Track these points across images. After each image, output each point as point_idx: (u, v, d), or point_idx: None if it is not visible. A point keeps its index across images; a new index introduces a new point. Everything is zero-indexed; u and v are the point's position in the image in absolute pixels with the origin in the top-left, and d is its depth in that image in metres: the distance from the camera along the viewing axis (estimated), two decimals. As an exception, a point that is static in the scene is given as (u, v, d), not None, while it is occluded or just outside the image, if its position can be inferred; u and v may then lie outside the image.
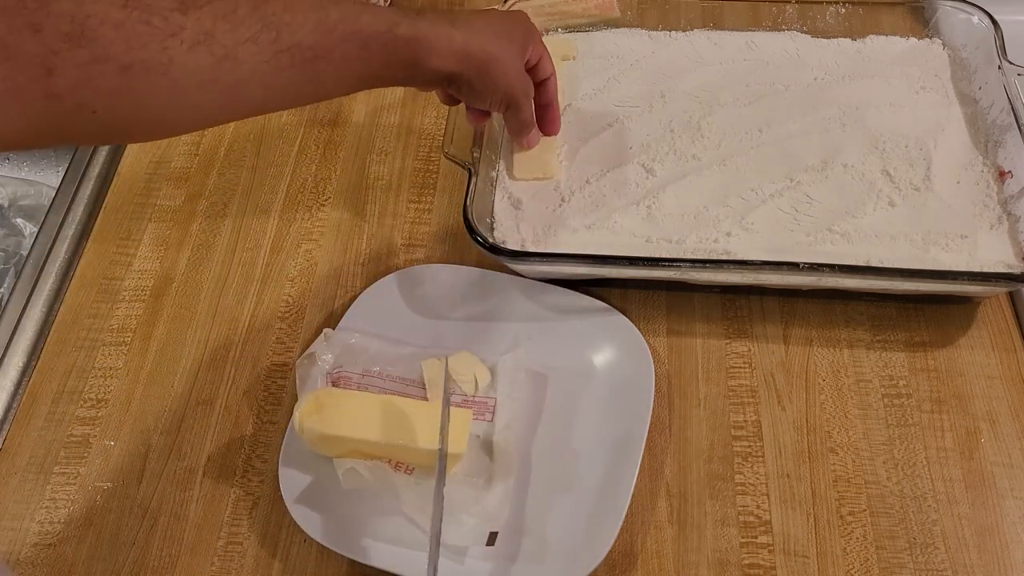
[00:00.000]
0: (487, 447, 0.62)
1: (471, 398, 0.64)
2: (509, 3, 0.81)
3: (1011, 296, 0.70)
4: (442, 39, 0.56)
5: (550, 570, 0.57)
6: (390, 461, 0.60)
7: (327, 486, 0.60)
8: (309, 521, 0.58)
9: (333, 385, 0.63)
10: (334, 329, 0.67)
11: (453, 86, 0.60)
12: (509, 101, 0.64)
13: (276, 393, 0.67)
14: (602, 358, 0.66)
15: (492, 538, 0.58)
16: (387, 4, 0.85)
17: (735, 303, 0.70)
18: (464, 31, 0.58)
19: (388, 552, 0.57)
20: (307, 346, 0.66)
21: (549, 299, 0.68)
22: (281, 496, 0.60)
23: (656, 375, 0.63)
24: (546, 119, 0.72)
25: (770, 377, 0.66)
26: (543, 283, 0.69)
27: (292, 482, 0.60)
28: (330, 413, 0.59)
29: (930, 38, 0.82)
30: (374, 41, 0.54)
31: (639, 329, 0.66)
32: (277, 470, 0.61)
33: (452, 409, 0.61)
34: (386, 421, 0.58)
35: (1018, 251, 0.67)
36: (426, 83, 0.61)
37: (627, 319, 0.66)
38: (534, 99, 0.68)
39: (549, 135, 0.73)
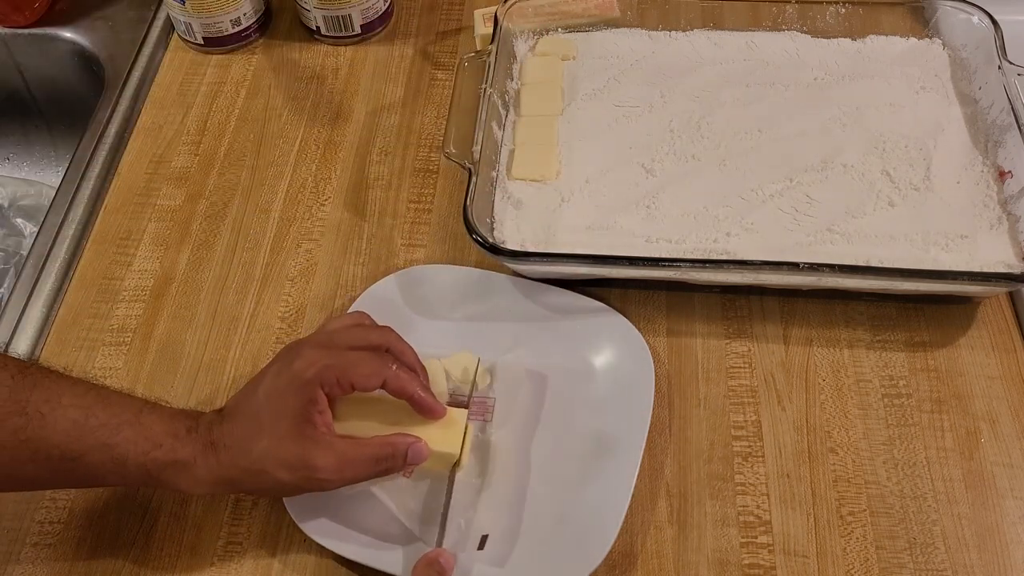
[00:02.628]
0: (485, 448, 0.62)
1: (470, 398, 0.64)
2: (509, 3, 0.81)
3: (1011, 296, 0.70)
4: (201, 468, 0.53)
5: (550, 571, 0.57)
6: None
7: None
8: (309, 522, 0.58)
9: None
10: None
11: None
12: (304, 491, 0.56)
13: (276, 393, 0.67)
14: (602, 359, 0.66)
15: (482, 542, 0.57)
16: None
17: (735, 303, 0.70)
18: (225, 455, 0.53)
19: (387, 553, 0.57)
20: (307, 346, 0.66)
21: (549, 299, 0.68)
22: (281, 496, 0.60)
23: (656, 375, 0.63)
24: (420, 410, 0.58)
25: (770, 377, 0.66)
26: (543, 283, 0.69)
27: None
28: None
29: (930, 38, 0.82)
30: (129, 461, 0.52)
31: (639, 329, 0.66)
32: (277, 470, 0.61)
33: (448, 408, 0.61)
34: (384, 422, 0.58)
35: (1018, 251, 0.67)
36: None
37: (627, 319, 0.66)
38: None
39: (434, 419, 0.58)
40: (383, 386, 0.56)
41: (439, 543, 0.56)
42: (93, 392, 0.54)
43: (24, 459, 0.51)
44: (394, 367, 0.56)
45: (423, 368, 0.60)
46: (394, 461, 0.55)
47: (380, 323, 0.60)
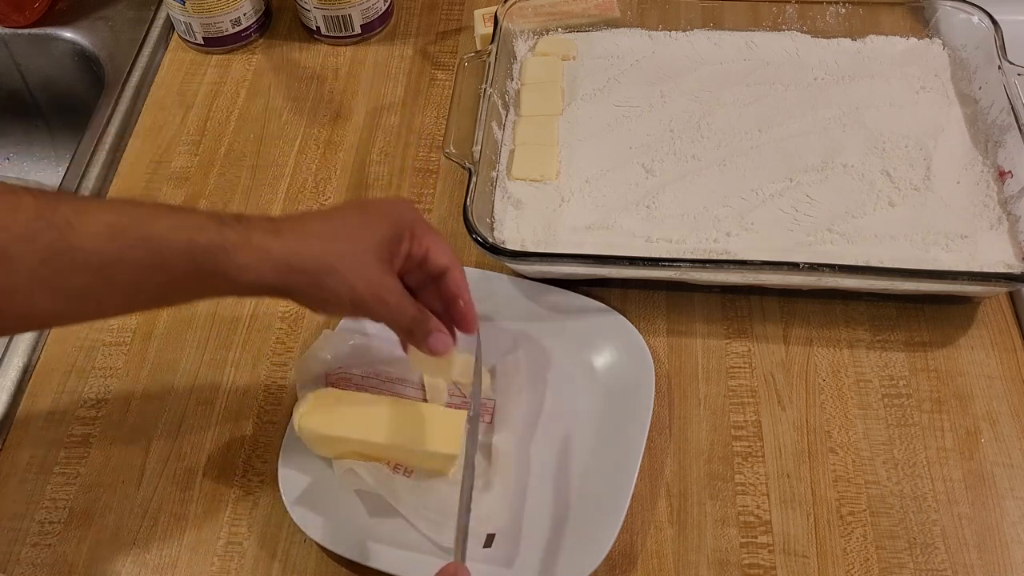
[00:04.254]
0: (486, 449, 0.62)
1: (470, 400, 0.64)
2: (509, 3, 0.81)
3: (1011, 296, 0.70)
4: (255, 251, 0.49)
5: (550, 571, 0.57)
6: (389, 463, 0.60)
7: (326, 487, 0.60)
8: (309, 522, 0.58)
9: (332, 386, 0.63)
10: (333, 330, 0.66)
11: (284, 297, 0.53)
12: (361, 311, 0.54)
13: (276, 393, 0.67)
14: (602, 359, 0.66)
15: (489, 540, 0.57)
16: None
17: (735, 303, 0.70)
18: (290, 238, 0.50)
19: (387, 553, 0.57)
20: (307, 346, 0.66)
21: (549, 299, 0.68)
22: (281, 496, 0.60)
23: (656, 375, 0.63)
24: (454, 317, 0.57)
25: (770, 377, 0.66)
26: (543, 283, 0.69)
27: (291, 483, 0.60)
28: (329, 414, 0.59)
29: (930, 38, 0.82)
30: (170, 249, 0.48)
31: (639, 329, 0.66)
32: (277, 470, 0.61)
33: (445, 410, 0.61)
34: (385, 422, 0.58)
35: (1018, 251, 0.67)
36: (251, 294, 0.54)
37: (627, 320, 0.66)
38: (440, 295, 0.57)
39: (465, 332, 0.58)
40: (444, 273, 0.55)
41: (459, 557, 0.52)
42: (123, 199, 0.51)
43: (63, 272, 0.47)
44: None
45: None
46: (415, 335, 0.55)
47: (381, 326, 0.59)
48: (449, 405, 0.63)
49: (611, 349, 0.66)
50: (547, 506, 0.60)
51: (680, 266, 0.66)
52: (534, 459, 0.62)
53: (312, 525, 0.58)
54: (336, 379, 0.64)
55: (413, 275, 0.56)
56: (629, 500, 0.58)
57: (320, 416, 0.59)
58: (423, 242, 0.54)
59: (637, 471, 0.59)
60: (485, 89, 0.75)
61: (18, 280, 0.45)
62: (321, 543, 0.58)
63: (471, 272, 0.70)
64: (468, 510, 0.53)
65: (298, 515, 0.59)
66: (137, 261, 0.48)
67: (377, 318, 0.54)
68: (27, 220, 0.46)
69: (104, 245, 0.47)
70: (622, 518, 0.57)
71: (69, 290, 0.48)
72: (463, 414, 0.60)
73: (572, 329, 0.67)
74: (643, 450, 0.60)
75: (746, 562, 0.59)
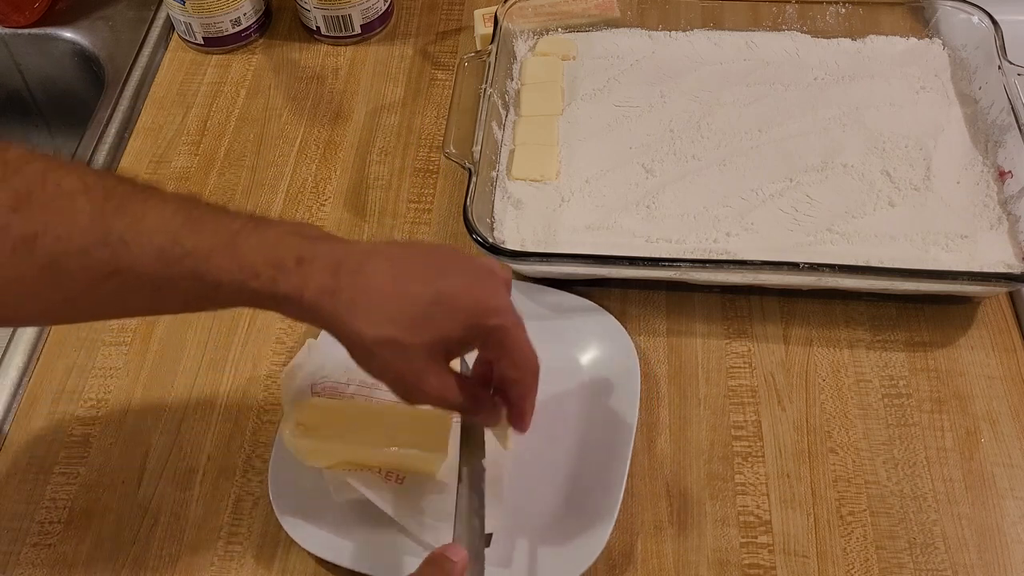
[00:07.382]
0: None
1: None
2: (509, 3, 0.81)
3: (1011, 296, 0.70)
4: (305, 308, 0.47)
5: (545, 570, 0.57)
6: (380, 471, 0.59)
7: (318, 496, 0.59)
8: (303, 533, 0.58)
9: (317, 396, 0.62)
10: (316, 339, 0.65)
11: None
12: (400, 394, 0.51)
13: (276, 393, 0.67)
14: (587, 358, 0.66)
15: (488, 539, 0.57)
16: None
17: (735, 303, 0.70)
18: (343, 308, 0.47)
19: (383, 560, 0.57)
20: (307, 346, 0.66)
21: (544, 300, 0.68)
22: (280, 498, 0.60)
23: (656, 375, 0.63)
24: (512, 416, 0.54)
25: (770, 377, 0.66)
26: (539, 284, 0.69)
27: (282, 492, 0.60)
28: (316, 425, 0.58)
29: (930, 38, 0.82)
30: (223, 287, 0.46)
31: (639, 329, 0.66)
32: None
33: (431, 411, 0.60)
34: (374, 429, 0.58)
35: (1018, 251, 0.67)
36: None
37: (613, 317, 0.66)
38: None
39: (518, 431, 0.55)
40: (518, 377, 0.51)
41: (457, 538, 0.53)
42: (182, 213, 0.47)
43: (116, 291, 0.46)
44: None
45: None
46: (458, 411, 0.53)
47: None
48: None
49: (596, 348, 0.66)
50: (542, 505, 0.60)
51: (680, 266, 0.66)
52: (529, 459, 0.62)
53: (306, 536, 0.58)
54: (321, 388, 0.62)
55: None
56: (620, 499, 0.57)
57: (307, 428, 0.58)
58: (498, 352, 0.50)
59: (627, 470, 0.59)
60: (485, 89, 0.75)
61: (72, 295, 0.45)
62: (314, 552, 0.58)
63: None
64: (472, 497, 0.53)
65: (292, 527, 0.58)
66: (188, 289, 0.47)
67: (403, 398, 0.51)
68: (82, 232, 0.44)
69: (156, 269, 0.46)
70: (615, 516, 0.57)
71: (117, 304, 0.48)
72: (450, 414, 0.59)
73: (559, 328, 0.67)
74: (631, 448, 0.60)
75: (746, 562, 0.59)
